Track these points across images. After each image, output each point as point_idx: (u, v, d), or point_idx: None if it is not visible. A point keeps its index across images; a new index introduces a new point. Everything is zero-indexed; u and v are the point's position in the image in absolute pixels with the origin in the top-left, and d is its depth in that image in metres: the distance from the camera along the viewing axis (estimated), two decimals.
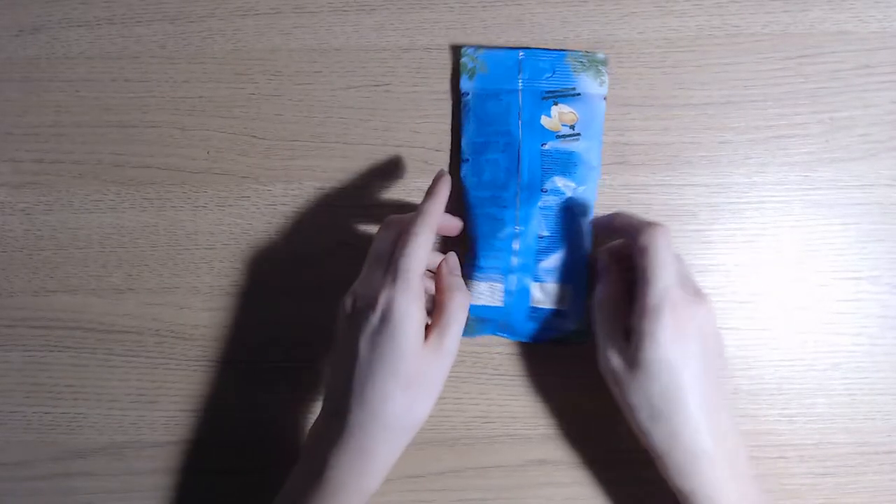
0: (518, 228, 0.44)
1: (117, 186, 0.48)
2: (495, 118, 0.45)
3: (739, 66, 0.47)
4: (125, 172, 0.48)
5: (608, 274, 0.42)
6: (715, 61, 0.47)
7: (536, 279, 0.44)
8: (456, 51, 0.47)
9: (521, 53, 0.46)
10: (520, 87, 0.45)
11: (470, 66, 0.46)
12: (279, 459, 0.47)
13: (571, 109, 0.45)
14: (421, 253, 0.38)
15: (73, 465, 0.48)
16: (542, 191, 0.44)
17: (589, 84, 0.45)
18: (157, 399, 0.47)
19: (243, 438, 0.47)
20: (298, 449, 0.47)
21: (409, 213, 0.40)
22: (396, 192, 0.47)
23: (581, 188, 0.45)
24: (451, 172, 0.46)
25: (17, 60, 0.49)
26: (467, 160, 0.46)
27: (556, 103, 0.45)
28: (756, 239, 0.47)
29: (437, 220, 0.39)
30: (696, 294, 0.39)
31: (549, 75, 0.45)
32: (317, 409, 0.46)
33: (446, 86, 0.47)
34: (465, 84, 0.46)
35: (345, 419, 0.37)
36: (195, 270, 0.48)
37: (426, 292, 0.39)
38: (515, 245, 0.44)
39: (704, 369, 0.38)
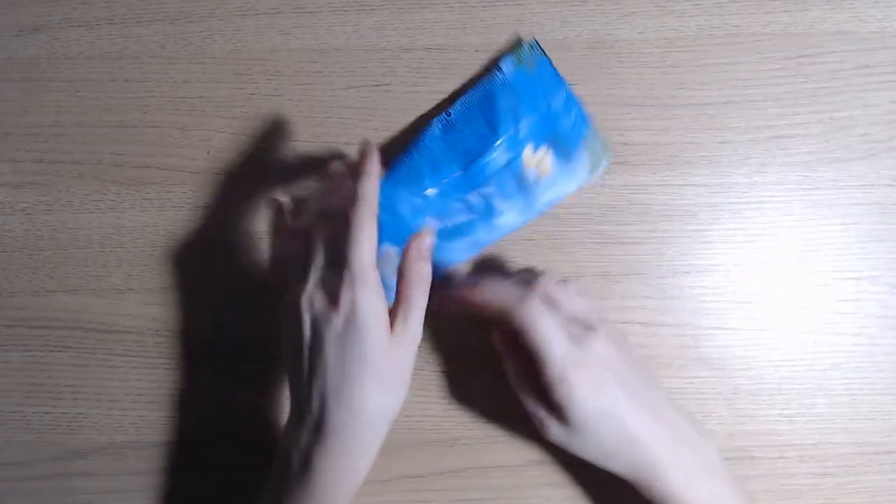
0: (429, 194, 0.44)
1: (117, 186, 0.48)
2: (498, 111, 0.44)
3: (739, 66, 0.47)
4: (125, 172, 0.48)
5: (507, 354, 0.42)
6: (715, 61, 0.47)
7: (398, 245, 0.43)
8: (519, 38, 0.47)
9: (566, 89, 0.45)
10: (539, 110, 0.44)
11: (524, 56, 0.45)
12: None
13: (552, 166, 0.45)
14: (372, 242, 0.37)
15: (73, 465, 0.48)
16: (471, 189, 0.44)
17: (582, 164, 0.45)
18: (157, 399, 0.47)
19: (243, 437, 0.47)
20: None
21: (330, 186, 0.40)
22: None
23: (506, 216, 0.44)
24: (427, 114, 0.47)
25: (17, 60, 0.49)
26: (450, 116, 0.44)
27: (549, 148, 0.44)
28: (756, 239, 0.47)
29: (377, 201, 0.38)
30: (587, 330, 0.39)
31: (566, 125, 0.45)
32: None
33: (446, 86, 0.47)
34: (507, 66, 0.44)
35: (325, 422, 0.37)
36: (195, 270, 0.48)
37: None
38: (413, 204, 0.44)
39: (630, 392, 0.39)
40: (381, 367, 0.37)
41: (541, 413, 0.40)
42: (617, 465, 0.40)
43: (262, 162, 0.48)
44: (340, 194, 0.39)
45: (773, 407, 0.46)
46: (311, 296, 0.37)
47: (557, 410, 0.39)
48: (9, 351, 0.48)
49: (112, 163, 0.48)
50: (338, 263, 0.37)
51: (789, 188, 0.46)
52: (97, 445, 0.48)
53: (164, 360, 0.47)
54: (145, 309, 0.48)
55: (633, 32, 0.47)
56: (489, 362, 0.47)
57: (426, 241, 0.40)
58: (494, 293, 0.40)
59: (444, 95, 0.47)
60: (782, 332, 0.46)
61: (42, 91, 0.49)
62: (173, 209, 0.48)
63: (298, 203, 0.43)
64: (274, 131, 0.48)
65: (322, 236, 0.38)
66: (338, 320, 0.36)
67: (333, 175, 0.42)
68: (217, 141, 0.48)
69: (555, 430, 0.40)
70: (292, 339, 0.38)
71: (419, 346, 0.46)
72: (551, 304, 0.39)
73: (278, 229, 0.42)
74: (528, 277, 0.41)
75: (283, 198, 0.42)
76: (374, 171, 0.39)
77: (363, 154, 0.39)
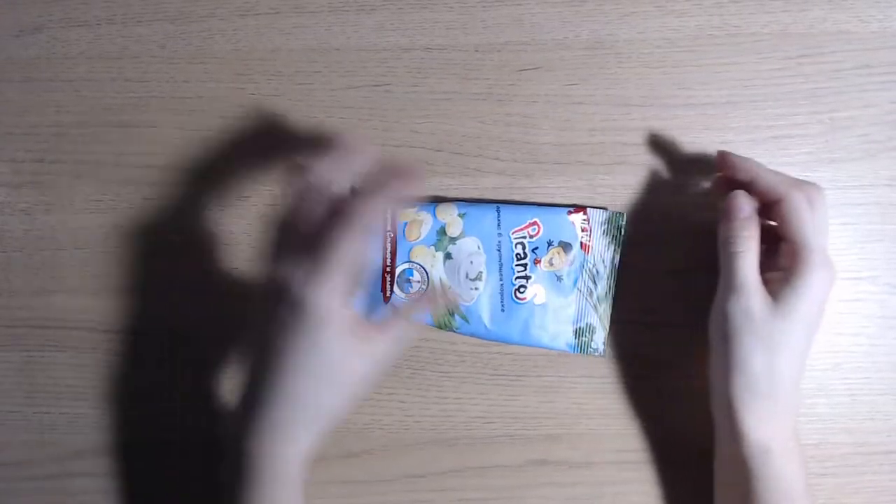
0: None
1: (117, 186, 0.48)
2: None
3: (739, 66, 0.47)
4: (125, 172, 0.48)
5: (751, 227, 0.41)
6: (715, 61, 0.47)
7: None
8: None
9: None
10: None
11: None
12: None
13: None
14: (351, 248, 0.35)
15: (73, 465, 0.48)
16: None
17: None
18: (156, 399, 0.47)
19: None
20: None
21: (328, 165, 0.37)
22: None
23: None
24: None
25: (17, 60, 0.49)
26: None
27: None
28: None
29: (376, 218, 0.37)
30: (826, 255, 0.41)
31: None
32: None
33: (446, 86, 0.47)
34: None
35: (264, 410, 0.37)
36: (195, 270, 0.48)
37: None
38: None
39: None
40: (331, 370, 0.37)
41: (754, 286, 0.40)
42: (780, 373, 0.39)
43: (262, 161, 0.48)
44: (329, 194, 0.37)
45: None
46: (267, 286, 0.37)
47: (786, 289, 0.39)
48: (9, 351, 0.48)
49: (112, 163, 0.48)
50: (310, 249, 0.36)
51: None
52: (97, 445, 0.48)
53: (164, 360, 0.47)
54: (144, 309, 0.48)
55: (633, 32, 0.47)
56: (489, 363, 0.47)
57: (444, 301, 0.44)
58: (771, 173, 0.41)
59: (443, 95, 0.47)
60: None
61: (42, 91, 0.49)
62: (173, 209, 0.48)
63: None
64: (274, 130, 0.48)
65: (306, 211, 0.37)
66: (284, 311, 0.36)
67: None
68: (217, 141, 0.48)
69: (757, 307, 0.39)
70: (257, 326, 0.38)
71: (418, 348, 0.47)
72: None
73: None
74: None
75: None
76: (400, 196, 0.37)
77: (406, 169, 0.37)
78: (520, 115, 0.47)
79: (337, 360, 0.37)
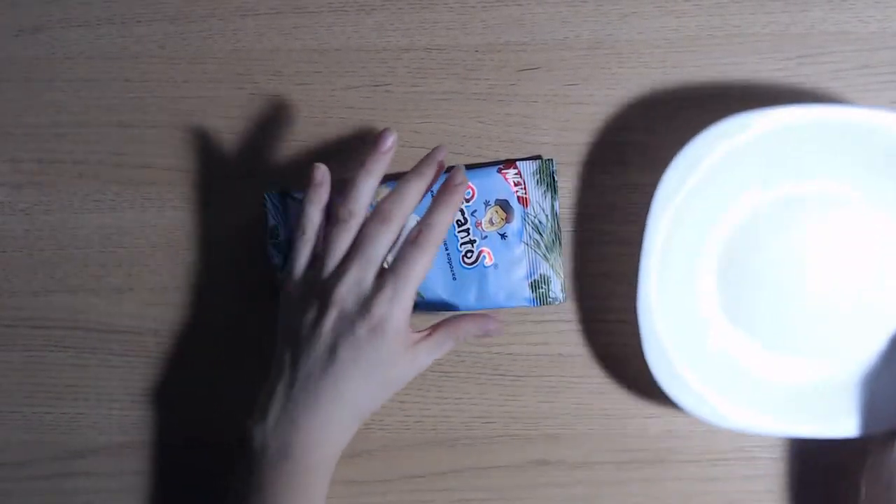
0: None
1: (117, 186, 0.48)
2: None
3: (739, 66, 0.47)
4: (125, 172, 0.48)
5: None
6: (715, 61, 0.47)
7: None
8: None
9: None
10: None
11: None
12: None
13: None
14: (425, 271, 0.39)
15: (73, 465, 0.48)
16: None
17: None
18: (156, 399, 0.47)
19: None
20: None
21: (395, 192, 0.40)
22: None
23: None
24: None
25: (17, 60, 0.49)
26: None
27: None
28: None
29: (445, 234, 0.40)
30: None
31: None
32: None
33: (446, 86, 0.47)
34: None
35: (314, 407, 0.39)
36: (195, 271, 0.48)
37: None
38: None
39: None
40: (385, 377, 0.40)
41: None
42: None
43: (262, 161, 0.48)
44: (410, 198, 0.40)
45: None
46: (346, 294, 0.39)
47: None
48: (9, 351, 0.48)
49: (112, 163, 0.48)
50: (381, 270, 0.39)
51: None
52: (97, 445, 0.48)
53: (164, 360, 0.47)
54: (145, 309, 0.48)
55: (633, 32, 0.47)
56: (489, 363, 0.47)
57: (490, 326, 0.42)
58: None
59: (443, 95, 0.47)
60: None
61: (42, 91, 0.49)
62: (173, 209, 0.48)
63: (344, 183, 0.42)
64: (274, 130, 0.48)
65: (378, 236, 0.39)
66: (363, 328, 0.38)
67: (421, 174, 0.41)
68: (217, 141, 0.48)
69: None
70: (304, 325, 0.39)
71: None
72: None
73: (315, 200, 0.42)
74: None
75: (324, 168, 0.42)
76: (456, 202, 0.41)
77: (449, 182, 0.41)
78: (520, 115, 0.47)
79: (392, 368, 0.39)
